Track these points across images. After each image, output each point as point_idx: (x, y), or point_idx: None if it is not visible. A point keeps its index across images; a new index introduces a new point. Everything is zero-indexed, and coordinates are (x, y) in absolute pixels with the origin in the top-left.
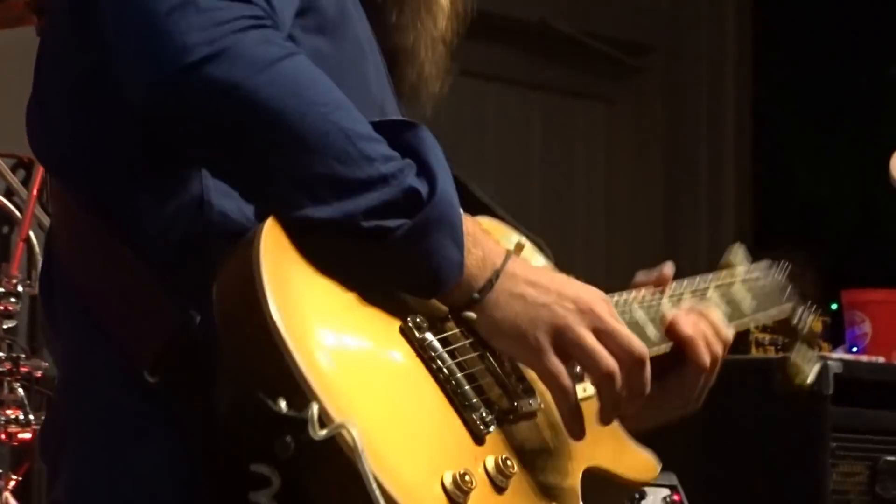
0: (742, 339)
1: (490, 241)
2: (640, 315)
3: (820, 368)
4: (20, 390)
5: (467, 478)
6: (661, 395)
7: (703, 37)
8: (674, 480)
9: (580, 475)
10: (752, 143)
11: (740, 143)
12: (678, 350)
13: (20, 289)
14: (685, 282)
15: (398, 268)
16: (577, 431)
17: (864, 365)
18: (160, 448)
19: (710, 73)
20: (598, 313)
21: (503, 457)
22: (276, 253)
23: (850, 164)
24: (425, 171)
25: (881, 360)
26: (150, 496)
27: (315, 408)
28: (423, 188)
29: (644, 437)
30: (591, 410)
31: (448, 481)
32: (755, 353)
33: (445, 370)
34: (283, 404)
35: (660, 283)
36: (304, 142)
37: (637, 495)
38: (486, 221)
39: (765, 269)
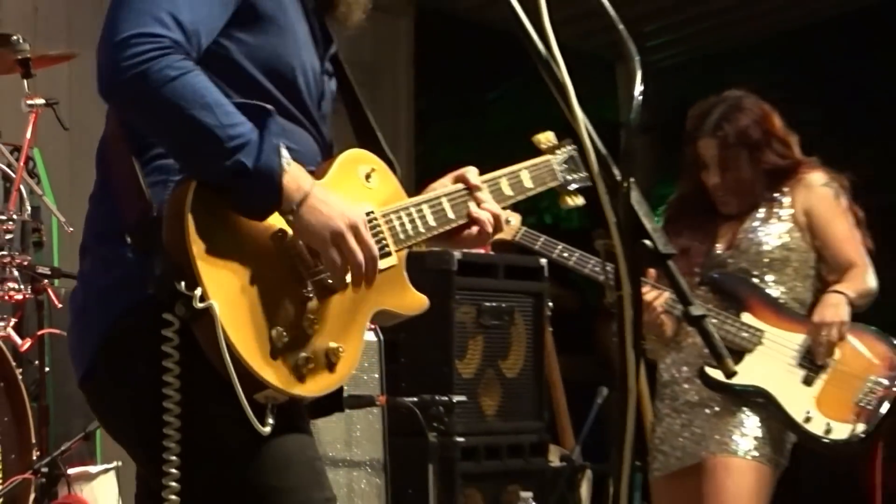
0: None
1: (304, 177)
2: (444, 207)
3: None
4: None
5: (284, 340)
6: (463, 241)
7: (388, 74)
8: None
9: (370, 315)
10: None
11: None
12: (472, 222)
13: None
14: (491, 176)
15: (241, 202)
16: (344, 283)
17: (472, 253)
18: (117, 284)
19: (392, 92)
20: (358, 227)
21: (315, 316)
22: (204, 190)
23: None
24: (258, 151)
25: (482, 251)
26: (102, 302)
27: (199, 291)
28: (248, 162)
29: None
30: (386, 278)
31: (274, 333)
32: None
33: (299, 274)
34: (182, 284)
35: (468, 185)
36: (184, 128)
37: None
38: (359, 156)
39: (557, 154)
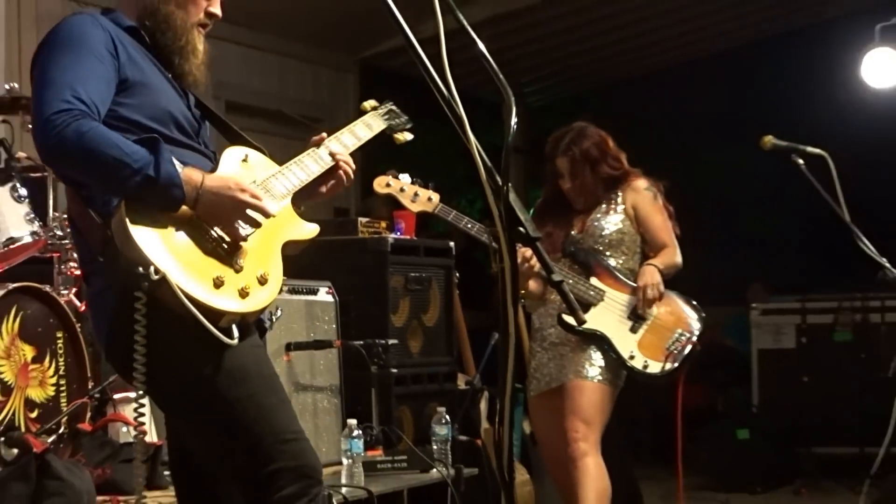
0: (352, 227)
1: (197, 175)
2: (307, 163)
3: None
4: None
5: (222, 277)
6: (326, 191)
7: (340, 113)
8: (329, 283)
9: (280, 246)
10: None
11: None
12: (333, 170)
13: None
14: (335, 135)
15: (157, 203)
16: (259, 221)
17: (401, 238)
18: (106, 288)
19: (344, 127)
20: (245, 188)
21: (238, 257)
22: (131, 205)
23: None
24: (156, 165)
25: (408, 236)
26: (103, 303)
27: (152, 268)
28: (153, 174)
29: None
30: (282, 222)
31: (215, 276)
32: (360, 235)
33: (215, 234)
34: (139, 268)
35: (320, 143)
36: (103, 165)
37: (313, 290)
38: (234, 149)
39: (377, 111)
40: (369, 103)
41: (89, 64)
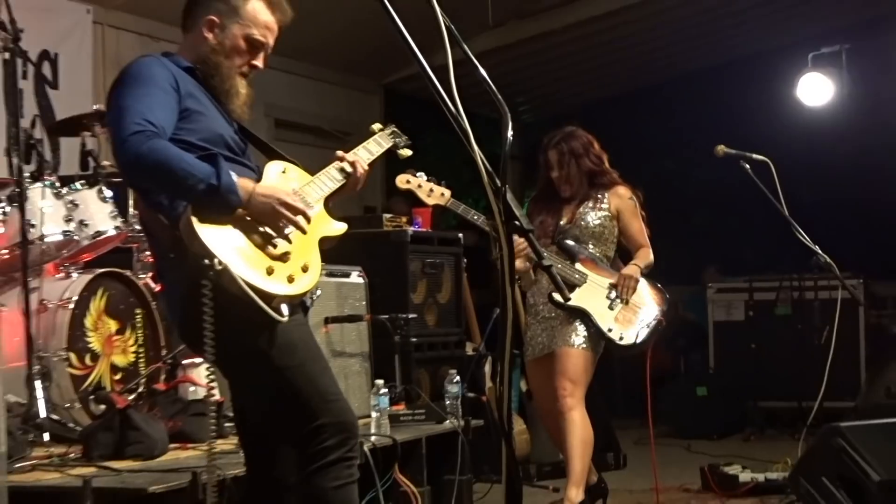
0: (379, 221)
1: (249, 184)
2: (333, 173)
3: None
4: None
5: (273, 267)
6: (347, 188)
7: (367, 131)
8: (359, 268)
9: (317, 241)
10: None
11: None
12: (352, 173)
13: None
14: (353, 150)
15: (218, 206)
16: (303, 227)
17: (419, 231)
18: (178, 279)
19: None
20: (289, 193)
21: (284, 250)
22: (196, 209)
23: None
24: (218, 176)
25: (425, 229)
26: (175, 291)
27: (216, 259)
28: (216, 182)
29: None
30: (317, 222)
31: (267, 267)
32: (385, 228)
33: (265, 232)
34: (205, 261)
35: (341, 158)
36: (173, 175)
37: (346, 273)
38: (275, 163)
39: (383, 132)
40: (377, 125)
41: (156, 95)
